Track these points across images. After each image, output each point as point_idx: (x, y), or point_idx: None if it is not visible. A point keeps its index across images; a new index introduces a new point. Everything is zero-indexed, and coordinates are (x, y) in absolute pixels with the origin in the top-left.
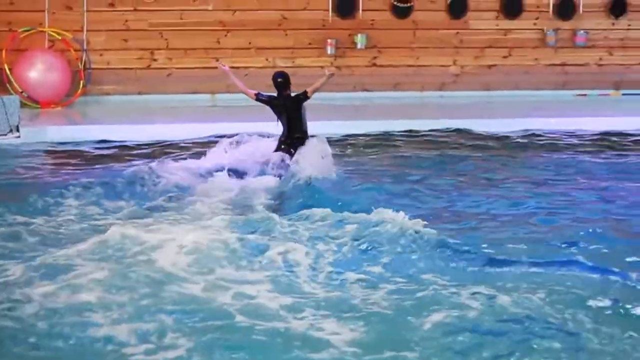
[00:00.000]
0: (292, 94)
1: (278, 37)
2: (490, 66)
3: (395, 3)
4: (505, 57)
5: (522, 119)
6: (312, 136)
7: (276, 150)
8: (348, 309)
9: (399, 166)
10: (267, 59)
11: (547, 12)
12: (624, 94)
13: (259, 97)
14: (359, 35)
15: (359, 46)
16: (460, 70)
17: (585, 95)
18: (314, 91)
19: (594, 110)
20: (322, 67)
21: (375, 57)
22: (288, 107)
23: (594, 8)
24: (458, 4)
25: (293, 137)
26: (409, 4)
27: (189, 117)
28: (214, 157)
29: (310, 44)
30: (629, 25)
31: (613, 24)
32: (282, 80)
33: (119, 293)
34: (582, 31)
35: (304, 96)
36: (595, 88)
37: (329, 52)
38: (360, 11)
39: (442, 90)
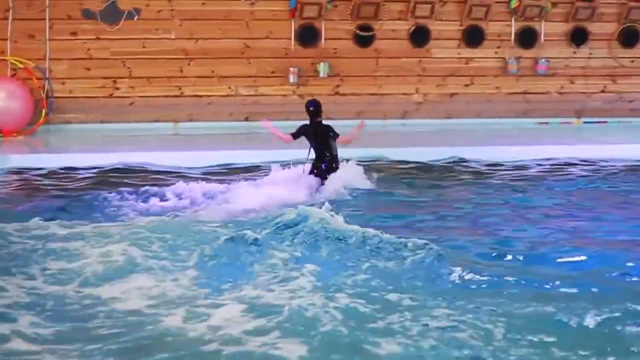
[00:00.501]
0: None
1: (241, 65)
2: (452, 94)
3: (357, 32)
4: (467, 85)
5: (484, 147)
6: (347, 160)
7: (310, 174)
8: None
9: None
10: (229, 87)
11: (509, 40)
12: (585, 122)
13: (295, 137)
14: (322, 63)
15: (321, 75)
16: (422, 99)
17: (546, 123)
18: (344, 141)
19: (556, 138)
20: (283, 95)
21: (337, 86)
22: (318, 133)
23: (555, 37)
24: (420, 33)
25: (324, 162)
26: (371, 33)
27: (152, 146)
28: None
29: (273, 72)
30: (590, 53)
31: (574, 52)
32: (313, 108)
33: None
34: (543, 60)
35: (334, 134)
36: (557, 116)
37: (291, 80)
38: (323, 40)
39: (405, 119)
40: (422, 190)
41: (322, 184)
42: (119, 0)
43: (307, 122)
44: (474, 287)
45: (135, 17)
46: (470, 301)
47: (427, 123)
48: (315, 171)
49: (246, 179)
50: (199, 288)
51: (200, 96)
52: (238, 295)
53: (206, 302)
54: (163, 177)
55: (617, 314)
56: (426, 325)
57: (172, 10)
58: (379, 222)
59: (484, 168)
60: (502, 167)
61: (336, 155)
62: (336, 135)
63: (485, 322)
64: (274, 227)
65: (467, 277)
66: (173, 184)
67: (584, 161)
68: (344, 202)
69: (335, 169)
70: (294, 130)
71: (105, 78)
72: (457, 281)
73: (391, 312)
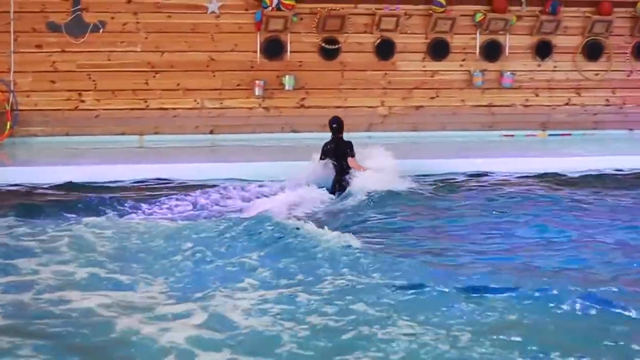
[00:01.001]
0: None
1: (206, 78)
2: (417, 107)
3: (322, 45)
4: (432, 98)
5: (449, 160)
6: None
7: (332, 191)
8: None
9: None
10: (195, 100)
11: (474, 53)
12: (550, 135)
13: (322, 157)
14: (287, 76)
15: (287, 87)
16: (388, 111)
17: (512, 135)
18: (354, 165)
19: (521, 150)
20: (249, 108)
21: (303, 98)
22: (339, 147)
23: (520, 50)
24: (385, 46)
25: (343, 177)
26: (336, 46)
27: (117, 159)
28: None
29: (238, 85)
30: (555, 66)
31: (539, 65)
32: (336, 125)
33: None
34: (508, 72)
35: (351, 151)
36: (522, 129)
37: (257, 93)
38: (288, 53)
39: (370, 131)
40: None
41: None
42: (85, 13)
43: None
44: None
45: (101, 30)
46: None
47: (392, 136)
48: (337, 187)
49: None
50: (162, 296)
51: (166, 109)
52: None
53: (165, 309)
54: (128, 189)
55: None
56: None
57: (137, 23)
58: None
59: (450, 180)
60: (467, 179)
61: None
62: (352, 155)
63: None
64: (239, 236)
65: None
66: (140, 196)
67: (548, 173)
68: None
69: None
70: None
71: (71, 91)
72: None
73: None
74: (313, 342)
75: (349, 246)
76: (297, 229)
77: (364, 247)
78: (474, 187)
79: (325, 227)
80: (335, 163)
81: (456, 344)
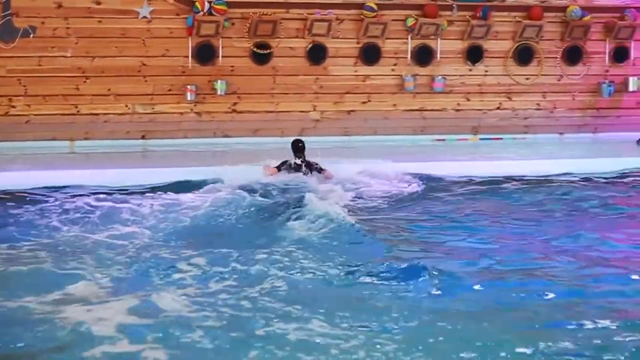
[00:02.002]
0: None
1: (137, 83)
2: (349, 112)
3: (254, 49)
4: (364, 102)
5: (383, 163)
6: None
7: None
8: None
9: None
10: (126, 106)
11: (405, 58)
12: (481, 139)
13: (279, 169)
14: (219, 81)
15: (218, 92)
16: (320, 116)
17: (443, 140)
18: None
19: (452, 155)
20: (180, 113)
21: (235, 103)
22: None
23: (451, 54)
24: (317, 51)
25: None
26: (268, 51)
27: (47, 165)
28: None
29: (170, 90)
30: (486, 71)
31: (470, 70)
32: (302, 144)
33: None
34: (439, 77)
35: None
36: (454, 133)
37: (188, 98)
38: (220, 57)
39: (302, 136)
40: None
41: None
42: (15, 18)
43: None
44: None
45: (31, 35)
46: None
47: (324, 140)
48: None
49: None
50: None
51: (97, 114)
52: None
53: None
54: (58, 194)
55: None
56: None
57: (68, 28)
58: None
59: (386, 184)
60: (403, 182)
61: None
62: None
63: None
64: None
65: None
66: (70, 201)
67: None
68: None
69: None
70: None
71: (1, 96)
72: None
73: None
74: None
75: None
76: None
77: None
78: (409, 190)
79: None
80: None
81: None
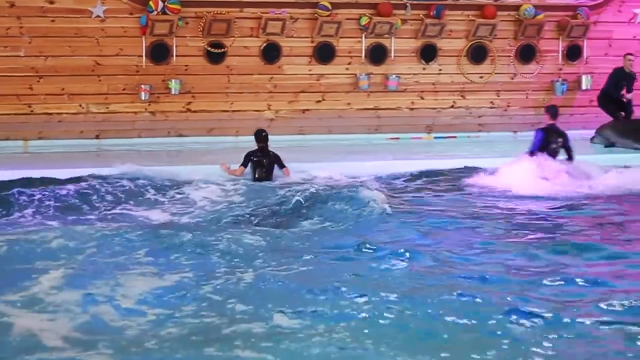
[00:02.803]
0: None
1: (91, 83)
2: (304, 111)
3: (208, 48)
4: (318, 101)
5: (337, 163)
6: None
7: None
8: None
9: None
10: (80, 105)
11: (360, 57)
12: (435, 137)
13: (245, 165)
14: (173, 80)
15: (173, 92)
16: (274, 115)
17: (397, 138)
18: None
19: (407, 153)
20: (134, 113)
21: (189, 103)
22: (270, 160)
23: (405, 53)
24: (271, 50)
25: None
26: (222, 50)
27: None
28: None
29: (124, 89)
30: (440, 69)
31: (424, 68)
32: (265, 134)
33: None
34: (393, 76)
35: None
36: (408, 132)
37: (143, 97)
38: (174, 57)
39: None
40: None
41: None
42: None
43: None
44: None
45: None
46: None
47: (279, 139)
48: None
49: None
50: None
51: (51, 114)
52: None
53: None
54: (13, 194)
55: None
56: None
57: (21, 27)
58: None
59: (342, 183)
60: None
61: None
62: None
63: None
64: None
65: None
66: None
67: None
68: None
69: None
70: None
71: None
72: None
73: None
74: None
75: None
76: None
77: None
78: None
79: None
80: (257, 170)
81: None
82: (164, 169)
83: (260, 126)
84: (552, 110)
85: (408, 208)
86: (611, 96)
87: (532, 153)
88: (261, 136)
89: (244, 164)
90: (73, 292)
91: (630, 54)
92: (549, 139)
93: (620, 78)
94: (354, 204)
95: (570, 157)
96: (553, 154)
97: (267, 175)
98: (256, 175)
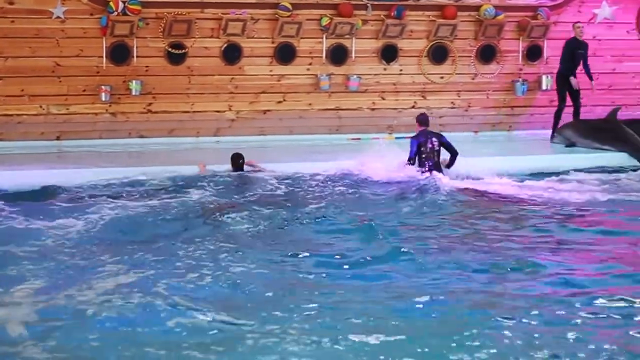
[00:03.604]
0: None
1: (52, 84)
2: (265, 111)
3: (169, 49)
4: (279, 102)
5: (298, 163)
6: None
7: None
8: None
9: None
10: (40, 106)
11: (320, 57)
12: (397, 138)
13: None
14: (134, 81)
15: (133, 92)
16: (235, 116)
17: (359, 139)
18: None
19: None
20: (95, 114)
21: (150, 104)
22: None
23: (366, 54)
24: (232, 50)
25: None
26: (183, 50)
27: None
28: None
29: (84, 90)
30: (401, 70)
31: (385, 69)
32: (242, 161)
33: None
34: (354, 76)
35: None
36: (369, 132)
37: (103, 98)
38: (135, 58)
39: (218, 136)
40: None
41: None
42: None
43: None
44: None
45: None
46: None
47: (240, 140)
48: None
49: None
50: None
51: (11, 115)
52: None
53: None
54: None
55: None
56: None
57: None
58: None
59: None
60: (318, 181)
61: None
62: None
63: None
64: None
65: None
66: None
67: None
68: None
69: None
70: None
71: None
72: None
73: None
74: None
75: None
76: None
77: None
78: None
79: None
80: None
81: None
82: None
83: (221, 127)
84: (421, 118)
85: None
86: (568, 74)
87: (410, 160)
88: (238, 163)
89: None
90: (45, 288)
91: (579, 22)
92: (423, 142)
93: (574, 47)
94: None
95: (452, 154)
96: (431, 153)
97: None
98: None
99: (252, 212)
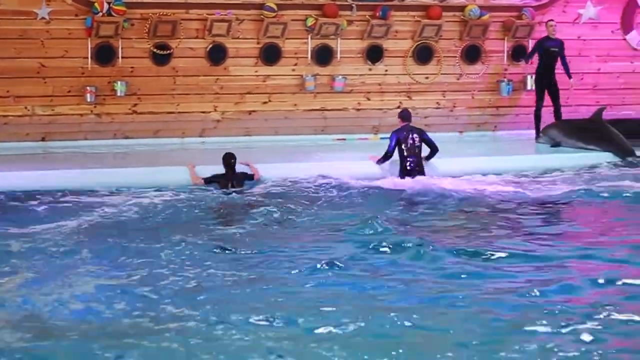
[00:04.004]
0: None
1: (37, 85)
2: (250, 112)
3: (154, 50)
4: (265, 103)
5: (285, 164)
6: None
7: None
8: None
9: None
10: (26, 108)
11: (306, 58)
12: (382, 138)
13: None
14: (119, 82)
15: (119, 93)
16: (220, 117)
17: (344, 139)
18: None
19: (353, 154)
20: (80, 115)
21: (135, 104)
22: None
23: (351, 54)
24: (217, 51)
25: None
26: (168, 51)
27: None
28: None
29: (69, 91)
30: (386, 70)
31: (370, 69)
32: (234, 160)
33: None
34: (340, 77)
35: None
36: (354, 132)
37: (88, 99)
38: (120, 58)
39: (203, 137)
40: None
41: None
42: None
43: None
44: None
45: None
46: None
47: (226, 141)
48: None
49: None
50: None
51: None
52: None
53: None
54: None
55: None
56: None
57: None
58: None
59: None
60: (305, 183)
61: None
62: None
63: None
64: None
65: None
66: None
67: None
68: None
69: None
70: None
71: None
72: None
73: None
74: None
75: None
76: None
77: None
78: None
79: None
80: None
81: None
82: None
83: (207, 128)
84: (403, 114)
85: None
86: (541, 72)
87: (387, 154)
88: (230, 162)
89: (206, 180)
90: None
91: (552, 20)
92: (404, 137)
93: (541, 44)
94: None
95: (432, 149)
96: (413, 149)
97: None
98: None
99: (241, 214)
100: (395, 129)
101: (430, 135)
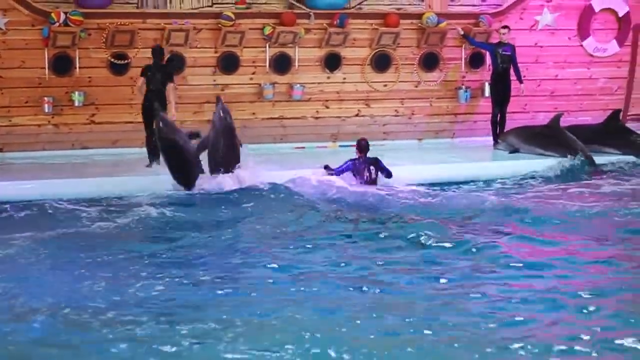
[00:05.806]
0: None
1: None
2: (209, 121)
3: (112, 60)
4: None
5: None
6: None
7: None
8: None
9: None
10: None
11: (264, 66)
12: (340, 146)
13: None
14: (77, 92)
15: (76, 104)
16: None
17: (303, 147)
18: None
19: (313, 162)
20: (38, 125)
21: (93, 114)
22: None
23: (309, 62)
24: (175, 61)
25: None
26: (126, 61)
27: None
28: None
29: (26, 102)
30: (344, 78)
31: (328, 77)
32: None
33: None
34: (298, 85)
35: None
36: (313, 141)
37: (46, 110)
38: (77, 68)
39: None
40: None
41: None
42: None
43: None
44: None
45: None
46: None
47: None
48: None
49: None
50: None
51: None
52: None
53: None
54: None
55: None
56: None
57: None
58: None
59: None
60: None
61: None
62: None
63: None
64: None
65: None
66: None
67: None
68: None
69: None
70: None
71: None
72: None
73: None
74: None
75: None
76: None
77: None
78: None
79: None
80: None
81: None
82: None
83: None
84: (361, 145)
85: None
86: (494, 78)
87: (334, 173)
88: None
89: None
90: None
91: (505, 27)
92: (360, 170)
93: (492, 48)
94: None
95: (387, 176)
96: (368, 180)
97: None
98: None
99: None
100: (353, 158)
101: (389, 142)
